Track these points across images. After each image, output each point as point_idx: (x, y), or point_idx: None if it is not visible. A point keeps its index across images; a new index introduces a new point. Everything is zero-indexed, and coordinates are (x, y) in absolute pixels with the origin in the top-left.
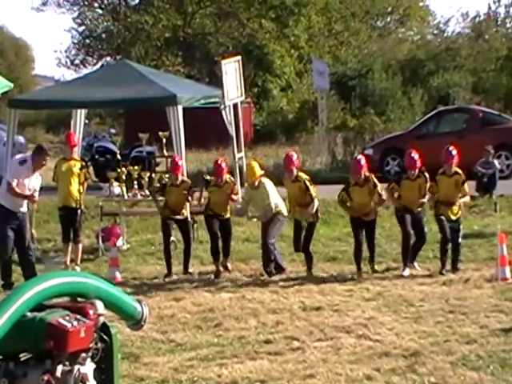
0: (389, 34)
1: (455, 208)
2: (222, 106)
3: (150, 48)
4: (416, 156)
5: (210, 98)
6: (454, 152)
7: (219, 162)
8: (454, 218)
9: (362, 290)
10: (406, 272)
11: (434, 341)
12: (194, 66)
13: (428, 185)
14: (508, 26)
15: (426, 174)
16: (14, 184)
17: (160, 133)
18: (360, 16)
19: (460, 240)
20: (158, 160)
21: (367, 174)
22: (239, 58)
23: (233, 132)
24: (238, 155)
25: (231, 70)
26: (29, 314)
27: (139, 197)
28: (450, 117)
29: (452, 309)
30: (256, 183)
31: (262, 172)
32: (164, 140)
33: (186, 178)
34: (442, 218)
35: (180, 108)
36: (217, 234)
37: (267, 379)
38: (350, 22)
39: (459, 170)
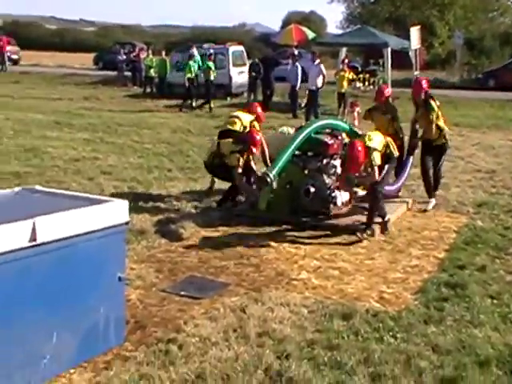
0: (494, 19)
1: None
2: (410, 49)
3: (378, 22)
4: None
5: (405, 45)
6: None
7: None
8: None
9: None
10: None
11: (502, 166)
12: (398, 30)
13: None
14: None
15: None
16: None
17: (379, 60)
18: (480, 10)
19: None
20: (378, 73)
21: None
22: (419, 26)
23: (414, 62)
24: (416, 72)
25: (415, 32)
26: (313, 135)
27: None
28: None
29: None
30: None
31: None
32: (381, 63)
33: None
34: None
35: (389, 49)
36: None
37: None
38: (476, 13)
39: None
